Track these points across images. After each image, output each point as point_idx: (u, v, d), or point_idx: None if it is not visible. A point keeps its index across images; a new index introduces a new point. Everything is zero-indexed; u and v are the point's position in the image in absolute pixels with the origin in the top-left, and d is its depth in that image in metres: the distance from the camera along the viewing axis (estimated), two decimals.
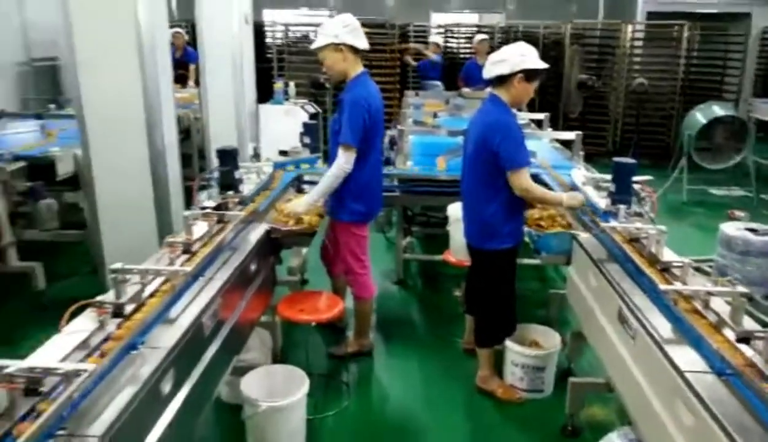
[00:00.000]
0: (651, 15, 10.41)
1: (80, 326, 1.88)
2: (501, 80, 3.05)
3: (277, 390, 2.91)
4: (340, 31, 3.28)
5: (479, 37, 8.46)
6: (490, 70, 3.07)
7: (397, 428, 3.22)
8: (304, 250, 4.49)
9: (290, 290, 3.78)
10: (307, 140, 4.45)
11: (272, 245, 3.12)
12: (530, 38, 9.45)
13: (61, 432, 1.41)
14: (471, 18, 11.63)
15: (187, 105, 6.53)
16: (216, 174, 3.17)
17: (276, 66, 9.49)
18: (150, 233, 3.85)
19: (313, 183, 4.16)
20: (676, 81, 9.56)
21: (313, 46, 3.38)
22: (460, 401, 3.44)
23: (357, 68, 3.38)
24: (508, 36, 9.91)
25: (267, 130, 6.73)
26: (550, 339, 3.53)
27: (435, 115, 6.19)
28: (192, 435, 2.07)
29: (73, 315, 1.93)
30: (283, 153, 4.84)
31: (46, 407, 1.39)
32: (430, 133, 5.48)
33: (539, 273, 5.15)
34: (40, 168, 4.35)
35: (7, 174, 4.03)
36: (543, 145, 5.30)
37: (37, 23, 8.28)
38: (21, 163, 4.27)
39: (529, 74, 3.02)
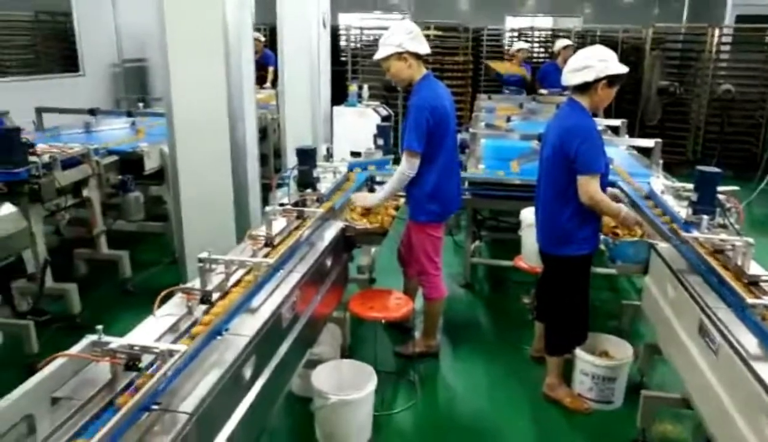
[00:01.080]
0: (740, 18, 9.90)
1: (170, 311, 2.00)
2: (584, 87, 3.01)
3: (345, 384, 2.98)
4: (403, 39, 3.35)
5: (564, 42, 8.31)
6: (571, 78, 3.02)
7: (462, 429, 3.23)
8: (374, 249, 4.56)
9: (359, 287, 3.86)
10: (380, 142, 4.52)
11: (346, 243, 3.20)
12: (608, 43, 9.05)
13: (155, 407, 1.51)
14: (546, 22, 11.45)
15: (265, 105, 6.75)
16: (295, 172, 3.28)
17: (350, 69, 9.67)
18: (228, 226, 4.00)
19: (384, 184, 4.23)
20: (767, 88, 9.07)
21: (376, 56, 3.46)
22: (526, 407, 3.41)
23: (421, 72, 3.45)
24: (584, 40, 9.68)
25: (340, 132, 6.86)
26: (622, 350, 3.44)
27: (508, 119, 6.14)
28: (266, 422, 2.15)
29: (163, 300, 2.06)
30: (354, 154, 4.94)
31: (144, 382, 1.50)
32: (502, 137, 5.44)
33: (611, 283, 5.01)
34: (129, 162, 4.62)
35: (101, 167, 4.30)
36: (619, 152, 5.15)
37: (128, 27, 8.79)
38: (113, 158, 4.54)
39: (612, 80, 2.97)
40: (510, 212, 4.69)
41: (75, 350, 1.57)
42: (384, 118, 6.64)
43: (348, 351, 3.64)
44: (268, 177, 5.67)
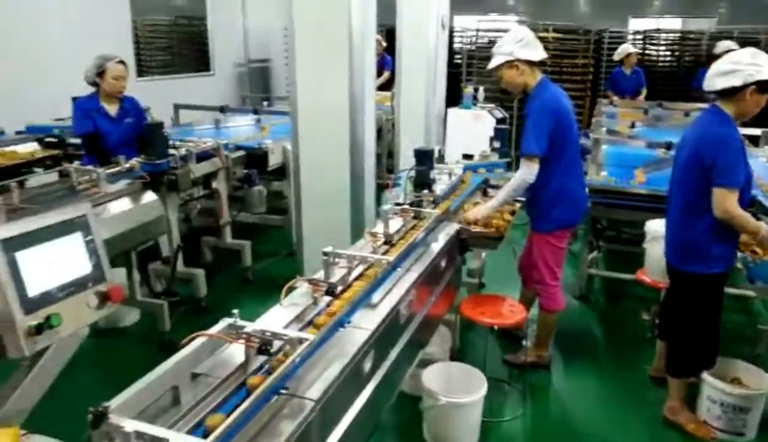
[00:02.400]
0: None
1: (296, 300, 2.09)
2: (729, 92, 2.79)
3: (454, 387, 2.97)
4: (513, 48, 3.29)
5: (628, 48, 8.08)
6: (715, 82, 2.80)
7: None
8: (484, 254, 4.52)
9: (468, 291, 3.83)
10: (497, 144, 4.46)
11: (460, 246, 3.18)
12: (747, 46, 8.49)
13: (283, 391, 1.58)
14: (674, 23, 10.75)
15: (380, 106, 6.87)
16: (411, 172, 3.31)
17: (464, 70, 9.63)
18: (344, 222, 4.11)
19: (499, 187, 4.17)
20: None
21: (489, 67, 3.43)
22: (643, 428, 3.23)
23: (536, 77, 3.37)
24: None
25: (453, 134, 6.84)
26: (757, 379, 3.17)
27: (632, 125, 5.85)
28: (380, 416, 2.19)
29: (289, 290, 2.15)
30: (467, 157, 4.89)
31: (275, 366, 1.58)
32: (625, 144, 5.19)
33: (745, 305, 4.62)
34: (254, 158, 4.88)
35: (230, 161, 4.57)
36: (759, 163, 4.75)
37: (254, 30, 9.30)
38: (241, 153, 4.82)
39: (763, 86, 2.73)
40: (632, 223, 4.47)
41: (214, 330, 1.67)
42: (499, 121, 6.54)
43: (456, 354, 3.62)
44: (381, 177, 5.78)
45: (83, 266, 1.50)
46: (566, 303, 3.92)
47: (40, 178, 4.06)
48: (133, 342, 4.01)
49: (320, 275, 2.19)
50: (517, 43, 3.31)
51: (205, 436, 1.26)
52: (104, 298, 1.52)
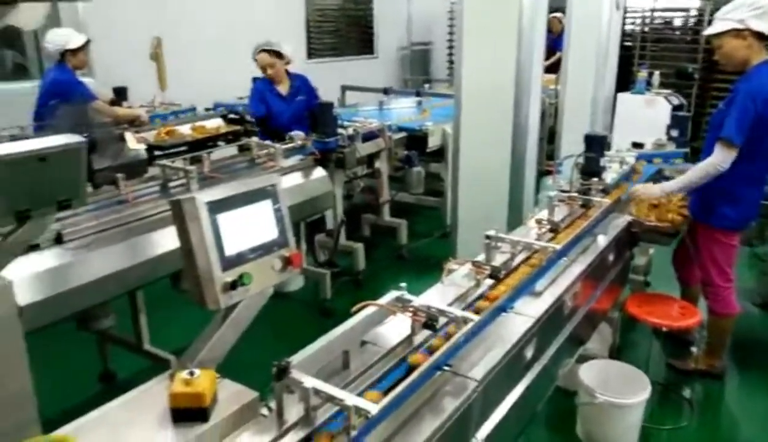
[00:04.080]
0: None
1: (458, 281, 2.10)
2: None
3: (612, 386, 2.82)
4: (746, 14, 2.92)
5: None
6: None
7: None
8: (652, 250, 4.22)
9: (632, 288, 3.60)
10: (674, 133, 4.11)
11: (630, 239, 3.00)
12: None
13: (446, 368, 1.61)
14: None
15: (543, 90, 6.62)
16: (580, 159, 3.16)
17: (637, 54, 8.96)
18: (501, 208, 4.04)
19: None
20: None
21: (708, 31, 3.08)
22: None
23: (761, 56, 2.97)
24: None
25: (621, 121, 6.42)
26: None
27: None
28: (537, 407, 2.15)
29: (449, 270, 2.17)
30: (636, 145, 4.56)
31: (439, 343, 1.61)
32: None
33: None
34: (415, 139, 4.96)
35: (392, 142, 4.70)
36: None
37: (417, 13, 9.40)
38: (402, 134, 4.93)
39: None
40: None
41: (383, 301, 1.74)
42: (675, 108, 6.02)
43: (615, 353, 3.43)
44: (540, 163, 5.60)
45: (271, 232, 1.61)
46: (746, 311, 3.57)
47: (223, 151, 4.48)
48: (297, 306, 4.31)
49: (481, 257, 2.18)
50: (753, 10, 2.93)
51: (377, 400, 1.32)
52: (287, 262, 1.63)
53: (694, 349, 3.52)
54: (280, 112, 4.44)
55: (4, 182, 1.77)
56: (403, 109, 5.97)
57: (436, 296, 1.98)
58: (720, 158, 2.96)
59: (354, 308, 1.73)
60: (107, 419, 1.37)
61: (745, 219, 3.20)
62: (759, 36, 2.94)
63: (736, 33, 2.95)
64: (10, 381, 2.08)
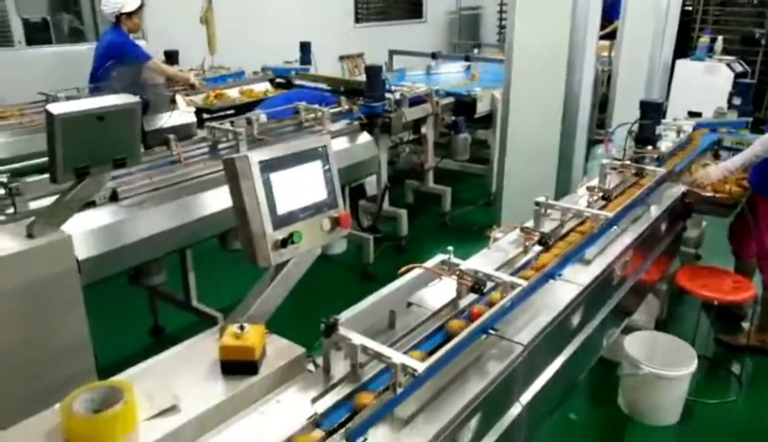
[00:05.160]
0: None
1: (505, 247, 2.09)
2: None
3: (657, 358, 2.79)
4: None
5: None
6: None
7: None
8: (704, 223, 4.08)
9: (681, 261, 3.51)
10: (736, 101, 3.93)
11: (684, 210, 2.91)
12: None
13: (492, 332, 1.60)
14: None
15: (596, 56, 6.40)
16: (634, 127, 3.06)
17: (699, 18, 8.54)
18: (549, 175, 3.96)
19: (733, 150, 3.70)
20: None
21: None
22: None
23: None
24: None
25: (679, 88, 6.17)
26: None
27: None
28: (580, 375, 2.13)
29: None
30: (693, 114, 4.39)
31: (485, 309, 1.61)
32: None
33: None
34: (462, 105, 4.88)
35: (439, 107, 4.63)
36: None
37: None
38: (450, 100, 4.85)
39: None
40: None
41: (429, 264, 1.74)
42: (739, 75, 5.74)
43: (663, 325, 3.37)
44: (590, 130, 5.45)
45: (320, 192, 1.63)
46: None
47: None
48: (340, 270, 4.36)
49: (530, 224, 2.15)
50: None
51: (422, 359, 1.34)
52: (336, 223, 1.65)
53: (745, 324, 3.43)
54: None
55: (65, 140, 1.83)
56: (451, 74, 5.88)
57: (483, 262, 1.97)
58: None
59: (401, 270, 1.74)
60: (159, 368, 1.43)
61: None
62: None
63: None
64: (70, 332, 2.18)
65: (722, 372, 3.21)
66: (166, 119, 3.40)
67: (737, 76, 5.63)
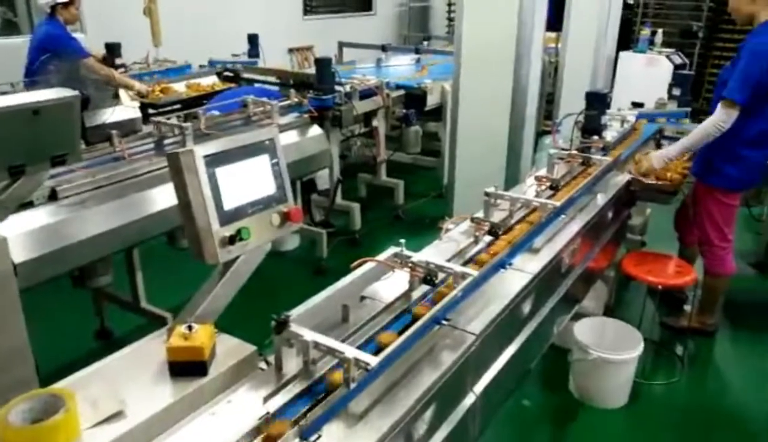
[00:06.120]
0: None
1: (456, 237, 2.10)
2: None
3: (606, 343, 2.87)
4: None
5: None
6: None
7: (730, 421, 2.90)
8: (649, 210, 4.22)
9: (627, 248, 3.61)
10: (676, 92, 4.07)
11: (629, 198, 2.99)
12: None
13: (445, 322, 1.61)
14: None
15: (543, 48, 6.51)
16: (580, 117, 3.13)
17: (640, 12, 8.80)
18: (498, 168, 4.00)
19: (674, 139, 3.83)
20: None
21: None
22: None
23: None
24: None
25: (622, 79, 6.34)
26: None
27: None
28: (532, 363, 2.17)
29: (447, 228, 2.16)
30: (636, 105, 4.52)
31: (439, 297, 1.61)
32: None
33: None
34: (413, 97, 4.88)
35: (390, 100, 4.63)
36: None
37: None
38: (400, 92, 4.85)
39: None
40: None
41: (381, 257, 1.73)
42: (678, 67, 5.94)
43: (611, 311, 3.46)
44: (538, 121, 5.55)
45: (269, 187, 1.60)
46: (740, 270, 3.59)
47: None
48: (293, 265, 4.31)
49: (480, 214, 2.17)
50: None
51: (377, 352, 1.33)
52: (285, 217, 1.62)
53: (687, 307, 3.56)
54: None
55: None
56: (402, 67, 5.88)
57: (435, 253, 1.98)
58: (721, 117, 2.92)
59: (353, 264, 1.73)
60: (104, 373, 1.38)
61: (746, 180, 3.19)
62: None
63: None
64: (7, 338, 2.08)
65: (666, 354, 3.33)
66: (109, 115, 3.29)
67: (676, 67, 5.82)
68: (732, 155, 3.05)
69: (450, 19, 9.14)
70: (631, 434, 2.82)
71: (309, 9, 7.97)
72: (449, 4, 9.16)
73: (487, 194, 2.18)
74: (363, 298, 1.72)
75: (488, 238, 2.05)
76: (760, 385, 3.15)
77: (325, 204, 4.43)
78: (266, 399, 1.29)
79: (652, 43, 6.35)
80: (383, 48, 6.54)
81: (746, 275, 4.12)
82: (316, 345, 1.34)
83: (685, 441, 2.80)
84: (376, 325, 1.57)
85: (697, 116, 4.26)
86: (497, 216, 2.16)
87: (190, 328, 1.38)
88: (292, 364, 1.39)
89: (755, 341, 3.49)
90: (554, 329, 2.31)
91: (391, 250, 1.77)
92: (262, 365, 1.47)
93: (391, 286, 1.76)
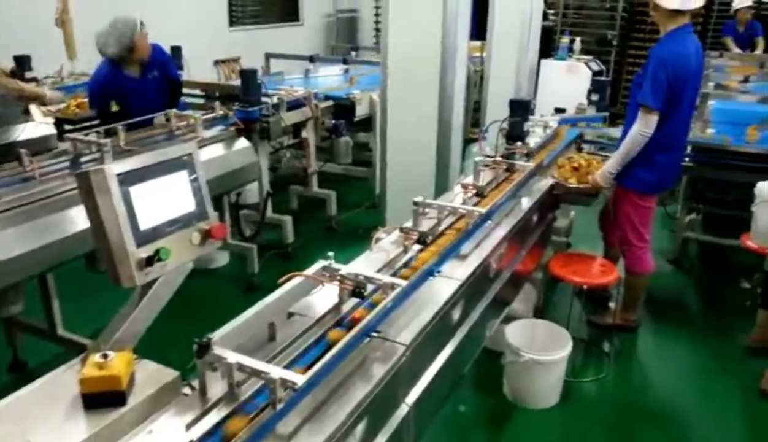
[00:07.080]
0: None
1: (386, 248, 2.09)
2: None
3: (537, 344, 2.94)
4: None
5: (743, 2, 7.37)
6: None
7: (654, 413, 3.02)
8: (573, 212, 4.37)
9: (554, 250, 3.72)
10: (594, 98, 4.24)
11: (553, 201, 3.09)
12: None
13: (375, 334, 1.60)
14: None
15: (468, 57, 6.65)
16: (504, 124, 3.21)
17: (560, 21, 9.17)
18: (428, 176, 4.05)
19: (594, 143, 3.99)
20: None
21: None
22: (735, 400, 3.09)
23: (677, 22, 3.07)
24: None
25: (544, 86, 6.58)
26: None
27: (746, 80, 5.39)
28: (465, 368, 2.19)
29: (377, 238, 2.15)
30: (559, 110, 4.69)
31: (367, 311, 1.59)
32: (735, 99, 4.80)
33: None
34: (342, 108, 4.87)
35: (319, 111, 4.60)
36: None
37: None
38: (329, 103, 4.83)
39: None
40: (738, 185, 4.17)
41: (309, 271, 1.70)
42: (596, 73, 6.22)
43: (540, 312, 3.56)
44: (465, 129, 5.66)
45: (188, 204, 1.55)
46: (658, 267, 3.77)
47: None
48: (223, 283, 4.20)
49: (409, 224, 2.18)
50: None
51: (309, 367, 1.30)
52: (207, 235, 1.57)
53: (611, 304, 3.70)
54: None
55: None
56: (330, 77, 5.87)
57: (365, 264, 1.96)
58: (642, 123, 3.07)
59: (280, 280, 1.69)
60: (12, 410, 1.28)
61: (660, 184, 3.35)
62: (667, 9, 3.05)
63: (654, 6, 3.06)
64: None
65: (594, 351, 3.44)
66: (20, 132, 3.11)
67: (594, 74, 6.09)
68: (646, 160, 3.19)
69: (377, 30, 9.21)
70: (564, 433, 2.90)
71: (235, 20, 7.84)
72: (377, 15, 9.24)
73: (415, 204, 2.19)
74: (291, 314, 1.69)
75: (417, 247, 2.06)
76: (681, 375, 3.31)
77: (255, 218, 4.34)
78: (189, 426, 1.24)
79: (571, 50, 6.62)
80: (311, 59, 6.51)
81: (665, 272, 4.33)
82: (240, 367, 1.29)
83: (615, 435, 2.90)
84: (303, 342, 1.53)
85: (614, 120, 4.46)
86: (426, 225, 2.17)
87: (105, 356, 1.31)
88: (217, 388, 1.34)
89: (675, 334, 3.66)
90: (486, 332, 2.34)
91: (320, 263, 1.74)
92: (186, 390, 1.41)
93: (320, 300, 1.74)
